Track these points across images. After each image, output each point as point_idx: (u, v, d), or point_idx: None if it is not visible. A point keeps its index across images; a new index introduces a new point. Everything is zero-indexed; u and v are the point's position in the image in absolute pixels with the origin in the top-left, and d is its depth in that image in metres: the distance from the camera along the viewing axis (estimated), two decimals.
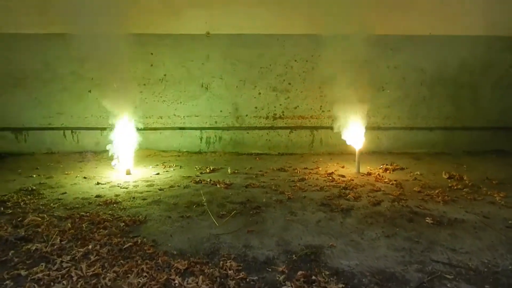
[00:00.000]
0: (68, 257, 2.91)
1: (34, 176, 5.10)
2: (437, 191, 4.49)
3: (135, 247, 3.09)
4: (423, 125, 6.62)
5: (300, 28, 6.25)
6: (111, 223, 3.53)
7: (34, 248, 3.05)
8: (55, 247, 3.06)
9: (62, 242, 3.16)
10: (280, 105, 6.53)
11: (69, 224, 3.47)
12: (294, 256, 2.95)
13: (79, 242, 3.16)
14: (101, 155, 6.19)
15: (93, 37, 5.45)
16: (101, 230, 3.39)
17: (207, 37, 6.27)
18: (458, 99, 6.60)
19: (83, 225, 3.47)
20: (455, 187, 4.71)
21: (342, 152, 6.52)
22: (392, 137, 6.63)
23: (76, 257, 2.91)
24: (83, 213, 3.74)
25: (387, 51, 6.34)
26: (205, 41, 6.28)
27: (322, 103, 6.52)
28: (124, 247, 3.08)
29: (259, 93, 6.48)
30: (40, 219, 3.59)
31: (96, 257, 2.92)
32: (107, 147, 5.31)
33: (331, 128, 6.50)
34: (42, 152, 6.42)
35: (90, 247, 3.06)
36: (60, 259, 2.89)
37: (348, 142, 5.50)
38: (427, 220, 3.66)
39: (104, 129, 6.21)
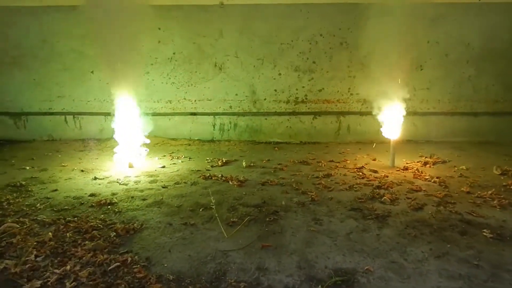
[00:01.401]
0: (39, 283, 2.35)
1: (27, 168, 4.60)
2: (490, 192, 3.77)
3: (123, 268, 2.52)
4: (467, 110, 5.81)
5: None
6: (100, 232, 2.97)
7: (2, 267, 2.51)
8: (27, 266, 2.52)
9: (38, 259, 2.63)
10: (303, 87, 5.80)
11: (50, 234, 2.93)
12: (320, 286, 2.31)
13: (58, 259, 2.61)
14: (105, 143, 5.66)
15: (94, 10, 4.87)
16: (86, 242, 2.84)
17: (221, 8, 5.54)
18: (510, 79, 5.72)
19: (67, 234, 2.93)
20: (511, 187, 3.95)
21: (372, 141, 5.79)
22: (430, 123, 5.84)
23: (49, 282, 2.35)
24: (70, 218, 3.21)
25: (426, 23, 5.47)
26: (218, 13, 5.57)
27: (351, 85, 5.76)
28: (109, 268, 2.51)
29: (279, 74, 5.76)
30: (18, 225, 3.07)
31: (73, 283, 2.35)
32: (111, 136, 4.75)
33: (360, 113, 5.78)
34: (43, 139, 5.94)
35: (68, 267, 2.50)
36: (29, 284, 2.33)
37: (383, 131, 4.76)
38: (484, 233, 2.98)
39: (109, 114, 5.66)
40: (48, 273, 2.44)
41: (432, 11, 5.44)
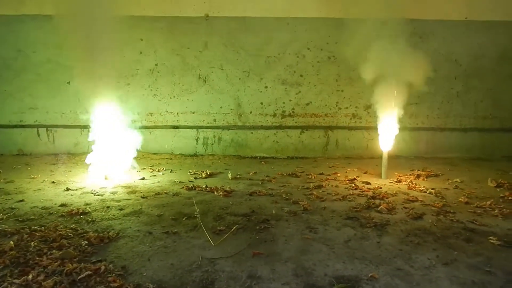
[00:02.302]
0: None
1: None
2: (489, 203, 3.59)
3: (95, 277, 2.20)
4: (456, 126, 5.71)
5: (314, 10, 5.41)
6: (70, 241, 2.64)
7: None
8: None
9: None
10: (290, 100, 5.64)
11: (12, 243, 2.57)
12: None
13: (19, 268, 2.26)
14: (79, 157, 5.30)
15: (72, 20, 4.68)
16: (54, 250, 2.49)
17: (206, 20, 5.40)
18: (498, 95, 5.69)
19: (31, 243, 2.57)
20: (509, 198, 3.80)
21: (362, 156, 5.63)
22: (420, 139, 5.71)
23: None
24: (36, 227, 2.85)
25: (414, 39, 5.44)
26: (203, 25, 5.42)
27: (339, 99, 5.62)
28: (79, 277, 2.19)
29: (266, 87, 5.59)
30: None
31: None
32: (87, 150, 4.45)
33: (349, 128, 5.63)
34: (12, 154, 5.53)
35: (30, 277, 2.16)
36: None
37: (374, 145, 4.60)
38: (491, 240, 2.79)
39: (85, 127, 5.34)
40: (6, 284, 2.10)
41: (421, 28, 5.43)
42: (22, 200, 3.52)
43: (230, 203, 3.51)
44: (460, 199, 3.74)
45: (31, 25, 5.31)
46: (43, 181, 4.19)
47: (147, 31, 5.40)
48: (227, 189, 3.88)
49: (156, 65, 5.50)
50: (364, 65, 5.14)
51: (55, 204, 3.43)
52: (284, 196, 3.73)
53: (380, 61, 4.68)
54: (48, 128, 5.53)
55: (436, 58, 5.54)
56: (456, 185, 4.24)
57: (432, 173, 4.73)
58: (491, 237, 2.81)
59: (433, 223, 3.09)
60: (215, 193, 3.79)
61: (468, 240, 2.79)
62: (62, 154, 5.48)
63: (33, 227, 2.84)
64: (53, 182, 4.14)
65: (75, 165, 4.97)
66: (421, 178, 4.52)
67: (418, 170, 4.78)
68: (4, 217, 3.09)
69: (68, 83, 5.44)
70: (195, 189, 3.93)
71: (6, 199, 3.56)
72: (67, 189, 3.88)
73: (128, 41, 5.36)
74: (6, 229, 2.82)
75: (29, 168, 4.78)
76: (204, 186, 3.98)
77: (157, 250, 2.54)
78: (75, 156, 5.40)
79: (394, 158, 5.42)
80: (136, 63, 5.48)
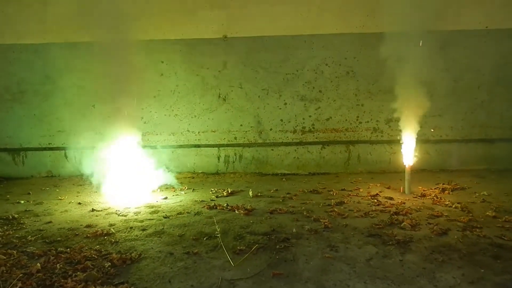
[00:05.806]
0: None
1: (22, 202, 4.38)
2: None
3: None
4: (482, 136, 5.56)
5: (331, 26, 5.43)
6: (94, 263, 2.70)
7: None
8: None
9: None
10: (310, 116, 5.64)
11: (39, 265, 2.65)
12: None
13: None
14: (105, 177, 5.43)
15: (97, 46, 4.92)
16: (78, 273, 2.55)
17: (224, 41, 5.50)
18: None
19: (57, 265, 2.65)
20: None
21: (385, 171, 5.54)
22: (444, 151, 5.59)
23: None
24: (62, 249, 2.94)
25: (434, 50, 5.37)
26: (222, 45, 5.52)
27: (359, 113, 5.58)
28: None
29: (285, 103, 5.62)
30: (5, 257, 2.80)
31: None
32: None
33: (371, 142, 5.58)
34: (41, 176, 5.72)
35: None
36: None
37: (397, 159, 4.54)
38: None
39: (109, 148, 5.47)
40: None
41: (440, 39, 5.34)
42: (50, 222, 3.63)
43: (251, 221, 3.52)
44: (487, 213, 3.63)
45: (57, 52, 5.52)
46: (70, 202, 4.32)
47: (167, 54, 5.53)
48: (248, 207, 3.89)
49: (177, 86, 5.62)
50: (384, 78, 5.10)
51: (81, 225, 3.52)
52: (305, 213, 3.71)
53: (400, 74, 4.64)
54: (75, 150, 5.70)
55: (457, 68, 5.45)
56: (483, 199, 4.12)
57: (458, 186, 4.61)
58: None
59: (458, 239, 3.01)
60: (236, 211, 3.81)
61: (495, 256, 2.71)
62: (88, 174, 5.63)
63: (59, 249, 2.93)
64: (79, 203, 4.26)
65: (100, 185, 5.10)
66: (447, 192, 4.41)
67: (443, 184, 4.67)
68: (33, 239, 3.19)
69: (93, 106, 5.61)
70: (216, 208, 3.96)
71: (35, 221, 3.68)
72: (93, 210, 3.98)
73: (149, 64, 5.51)
74: (34, 251, 2.92)
75: (57, 190, 4.94)
76: (225, 204, 4.00)
77: (178, 272, 2.56)
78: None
79: (419, 172, 5.32)
80: (157, 84, 5.61)
